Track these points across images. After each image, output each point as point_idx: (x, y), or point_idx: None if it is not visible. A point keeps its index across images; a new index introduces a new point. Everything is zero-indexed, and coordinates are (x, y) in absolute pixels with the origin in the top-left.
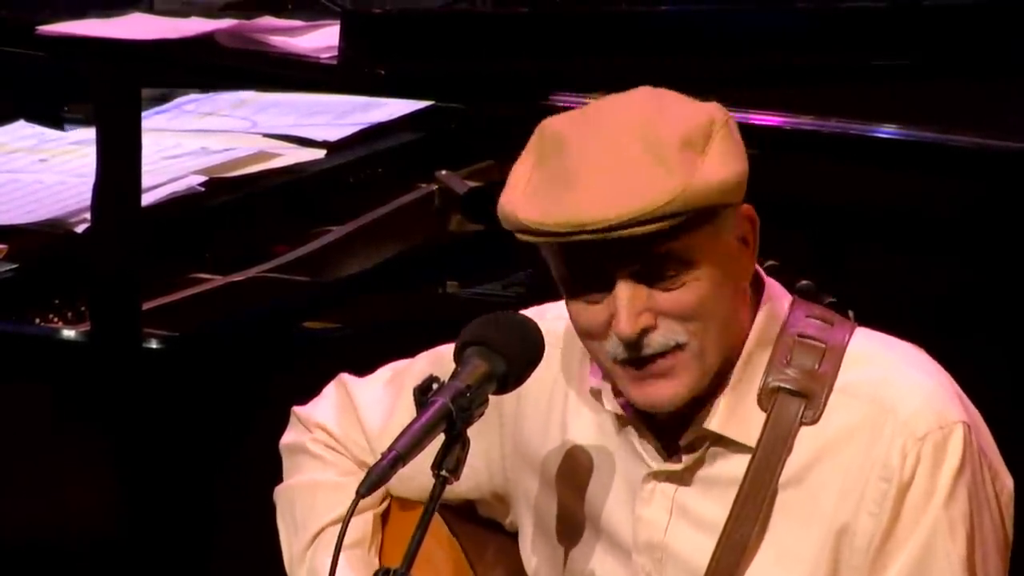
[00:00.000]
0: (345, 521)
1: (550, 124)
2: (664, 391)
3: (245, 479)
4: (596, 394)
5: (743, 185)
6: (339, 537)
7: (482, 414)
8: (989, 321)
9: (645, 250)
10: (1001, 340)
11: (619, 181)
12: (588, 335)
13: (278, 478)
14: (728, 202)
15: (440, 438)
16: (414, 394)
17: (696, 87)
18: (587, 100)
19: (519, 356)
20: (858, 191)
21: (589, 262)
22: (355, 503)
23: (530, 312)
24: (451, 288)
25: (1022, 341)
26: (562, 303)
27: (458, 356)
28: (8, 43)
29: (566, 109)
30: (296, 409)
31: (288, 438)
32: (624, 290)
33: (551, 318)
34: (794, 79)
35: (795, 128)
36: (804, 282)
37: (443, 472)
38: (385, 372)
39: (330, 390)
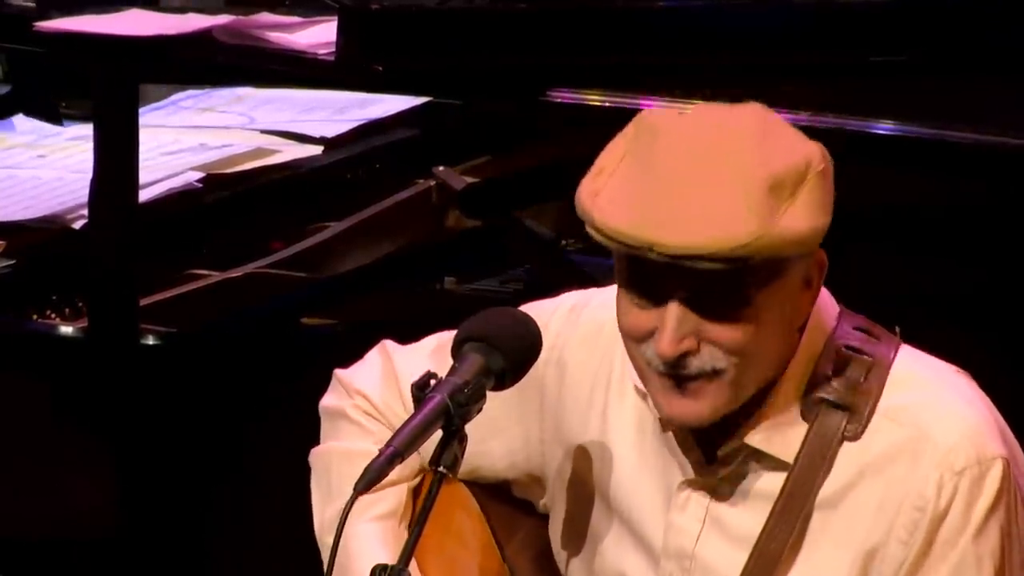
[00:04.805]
0: (342, 518)
1: (649, 120)
2: (691, 409)
3: (243, 475)
4: (642, 394)
5: (820, 237)
6: (337, 532)
7: (480, 410)
8: (988, 319)
9: (705, 280)
10: (1001, 338)
11: (700, 210)
12: (629, 336)
13: (276, 474)
14: (800, 253)
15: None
16: (411, 390)
17: (693, 83)
18: (585, 97)
19: (517, 352)
20: (855, 188)
21: (650, 274)
22: (352, 500)
23: (574, 296)
24: (449, 284)
25: (1022, 339)
26: (608, 290)
27: (455, 352)
28: (6, 39)
29: (563, 105)
30: (338, 372)
31: (329, 400)
32: (674, 312)
33: (596, 305)
34: (791, 75)
35: (792, 124)
36: None
37: (441, 469)
38: (430, 342)
39: (374, 356)
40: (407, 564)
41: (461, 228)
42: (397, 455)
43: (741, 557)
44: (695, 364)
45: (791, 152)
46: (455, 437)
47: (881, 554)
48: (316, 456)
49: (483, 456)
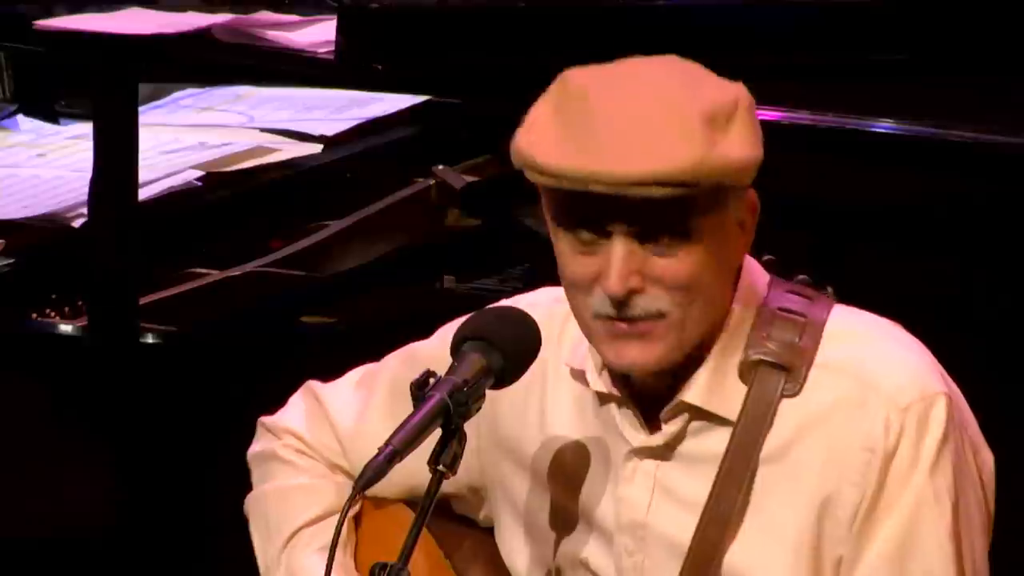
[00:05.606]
0: (342, 514)
1: (573, 74)
2: (638, 353)
3: (242, 474)
4: (578, 375)
5: (755, 170)
6: (336, 529)
7: (479, 409)
8: (988, 319)
9: (649, 213)
10: (1001, 338)
11: (640, 140)
12: (575, 285)
13: None
14: (739, 183)
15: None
16: (411, 389)
17: None
18: None
19: (517, 350)
20: (855, 187)
21: (592, 213)
22: (351, 498)
23: (501, 303)
24: (448, 283)
25: (1022, 339)
26: (535, 292)
27: (455, 351)
28: (6, 37)
29: None
30: (263, 419)
31: (256, 447)
32: (619, 248)
33: (524, 306)
34: (791, 74)
35: (792, 123)
36: (801, 276)
37: (440, 467)
38: (354, 375)
39: (296, 398)
40: (406, 563)
41: (461, 227)
42: (396, 454)
43: (693, 521)
44: (640, 304)
45: (720, 89)
46: (454, 436)
47: (835, 501)
48: (251, 502)
49: (422, 473)
